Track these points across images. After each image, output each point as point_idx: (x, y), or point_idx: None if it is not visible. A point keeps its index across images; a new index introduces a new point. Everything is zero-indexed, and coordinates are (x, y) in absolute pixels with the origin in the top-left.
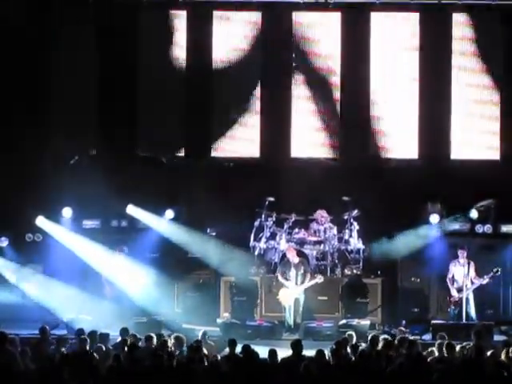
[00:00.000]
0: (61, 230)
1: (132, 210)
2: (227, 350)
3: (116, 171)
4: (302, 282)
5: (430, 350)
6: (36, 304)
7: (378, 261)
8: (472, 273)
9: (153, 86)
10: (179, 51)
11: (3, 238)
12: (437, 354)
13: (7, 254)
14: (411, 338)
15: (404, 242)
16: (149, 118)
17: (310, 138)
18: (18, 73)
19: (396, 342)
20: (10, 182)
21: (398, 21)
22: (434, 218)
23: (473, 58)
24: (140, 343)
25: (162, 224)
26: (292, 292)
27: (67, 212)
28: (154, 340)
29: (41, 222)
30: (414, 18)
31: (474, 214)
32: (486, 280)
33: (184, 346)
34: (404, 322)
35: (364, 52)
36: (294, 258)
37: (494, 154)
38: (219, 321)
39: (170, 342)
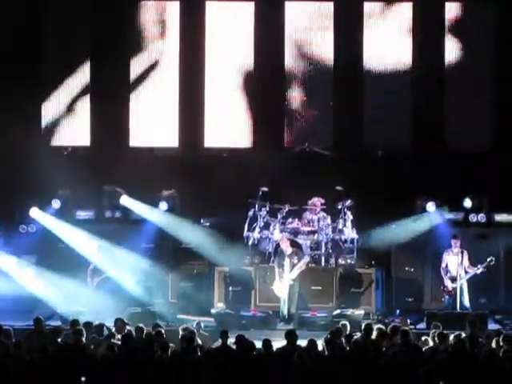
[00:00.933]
0: (54, 221)
1: (126, 200)
2: (220, 341)
3: (110, 162)
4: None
5: (423, 338)
6: (30, 295)
7: (372, 250)
8: (466, 262)
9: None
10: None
11: None
12: (431, 343)
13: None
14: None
15: (399, 232)
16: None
17: (302, 128)
18: (9, 57)
19: (389, 331)
20: (3, 173)
21: None
22: (430, 206)
23: None
24: (134, 334)
25: (156, 214)
26: (286, 281)
27: (56, 203)
28: (146, 331)
29: (35, 213)
30: None
31: (467, 203)
32: (480, 269)
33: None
34: (398, 311)
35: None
36: (287, 248)
37: (487, 143)
38: (213, 311)
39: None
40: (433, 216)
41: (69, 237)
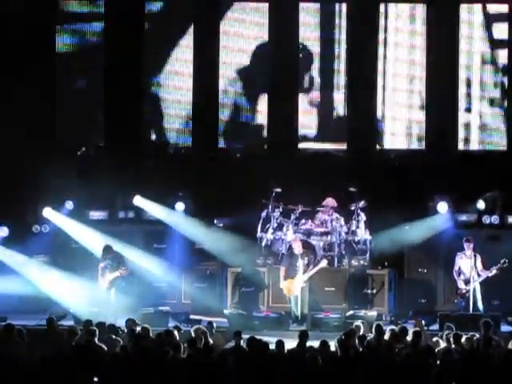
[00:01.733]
0: (68, 221)
1: (139, 201)
2: (233, 342)
3: (123, 162)
4: (310, 270)
5: (434, 339)
6: (43, 295)
7: (385, 252)
8: (479, 265)
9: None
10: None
11: (5, 229)
12: (442, 344)
13: (12, 244)
14: (417, 328)
15: (412, 233)
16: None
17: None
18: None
19: (402, 332)
20: (17, 172)
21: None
22: (443, 208)
23: None
24: (149, 334)
25: (169, 215)
26: (298, 282)
27: (69, 205)
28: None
29: (48, 213)
30: None
31: (480, 204)
32: (493, 272)
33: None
34: (411, 312)
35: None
36: (299, 248)
37: (502, 144)
38: (226, 312)
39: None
40: (445, 217)
41: (82, 237)
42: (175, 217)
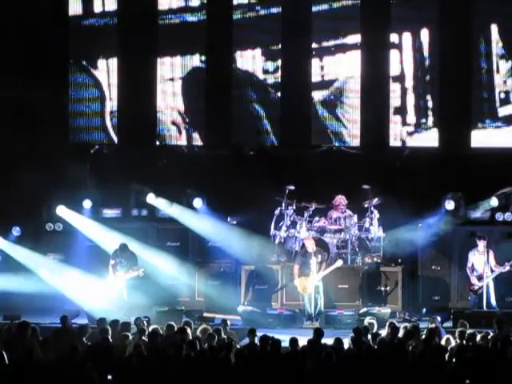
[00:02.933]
0: (81, 219)
1: (152, 199)
2: (247, 339)
3: (136, 160)
4: (319, 270)
5: (446, 337)
6: (57, 293)
7: (399, 249)
8: (492, 261)
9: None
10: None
11: (18, 229)
12: (453, 342)
13: (25, 243)
14: (432, 325)
15: (425, 230)
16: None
17: (331, 128)
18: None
19: (416, 330)
20: (30, 171)
21: None
22: (450, 205)
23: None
24: (161, 332)
25: (183, 213)
26: (312, 280)
27: (87, 204)
28: (175, 329)
29: (61, 211)
30: None
31: (494, 201)
32: (506, 268)
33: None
34: (424, 309)
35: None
36: (312, 246)
37: None
38: (240, 309)
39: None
40: (454, 215)
41: (95, 235)
42: (189, 214)
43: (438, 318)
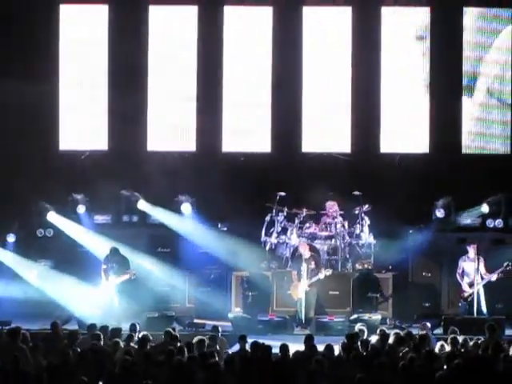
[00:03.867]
0: (72, 226)
1: (143, 205)
2: (237, 345)
3: (127, 166)
4: (312, 277)
5: (439, 344)
6: (47, 299)
7: (389, 255)
8: (482, 268)
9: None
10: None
11: (11, 234)
12: (447, 348)
13: (17, 249)
14: (423, 332)
15: (415, 237)
16: (158, 114)
17: (321, 133)
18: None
19: (407, 336)
20: (20, 177)
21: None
22: (440, 212)
23: None
24: (151, 338)
25: (173, 219)
26: (302, 286)
27: (81, 209)
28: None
29: (52, 217)
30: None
31: (484, 208)
32: (496, 275)
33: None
34: (415, 316)
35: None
36: (305, 252)
37: (506, 147)
38: (230, 315)
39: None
40: (443, 221)
41: (86, 241)
42: (179, 221)
43: (428, 325)
